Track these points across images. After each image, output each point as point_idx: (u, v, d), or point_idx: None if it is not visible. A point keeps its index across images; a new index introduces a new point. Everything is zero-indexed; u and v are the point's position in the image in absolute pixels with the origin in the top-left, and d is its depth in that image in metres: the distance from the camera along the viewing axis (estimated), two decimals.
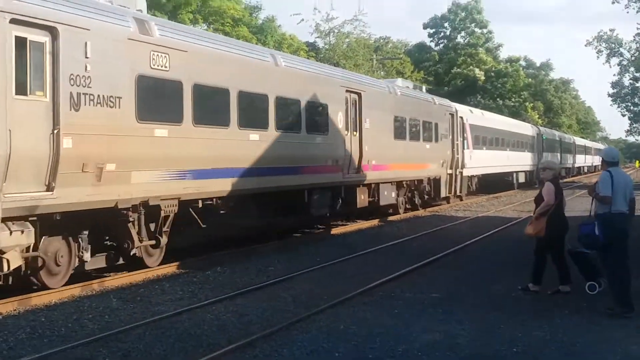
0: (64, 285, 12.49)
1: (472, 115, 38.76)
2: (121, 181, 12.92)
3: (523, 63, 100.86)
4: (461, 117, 34.60)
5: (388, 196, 25.14)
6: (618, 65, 70.13)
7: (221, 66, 15.96)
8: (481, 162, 38.69)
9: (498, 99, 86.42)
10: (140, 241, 13.89)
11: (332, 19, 52.88)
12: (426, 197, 29.71)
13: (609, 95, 76.03)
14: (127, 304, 11.62)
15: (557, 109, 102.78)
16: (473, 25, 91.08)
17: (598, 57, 69.01)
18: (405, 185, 27.36)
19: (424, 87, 35.61)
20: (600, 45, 68.52)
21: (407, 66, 64.91)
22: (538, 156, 54.76)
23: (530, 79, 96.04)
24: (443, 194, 31.19)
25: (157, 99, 13.89)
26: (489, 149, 41.48)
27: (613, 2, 56.38)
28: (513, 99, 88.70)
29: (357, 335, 9.56)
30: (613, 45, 68.18)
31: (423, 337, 9.48)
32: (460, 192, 34.09)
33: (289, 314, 10.76)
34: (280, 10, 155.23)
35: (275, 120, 17.71)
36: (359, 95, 22.57)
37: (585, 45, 70.89)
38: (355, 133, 22.32)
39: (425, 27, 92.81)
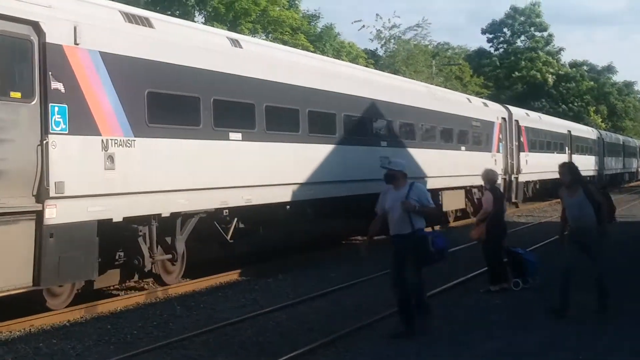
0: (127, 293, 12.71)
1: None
2: None
3: (586, 67, 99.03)
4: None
5: None
6: None
7: None
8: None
9: (562, 104, 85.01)
10: None
11: (394, 26, 52.75)
12: None
13: None
14: (191, 311, 11.75)
15: (621, 112, 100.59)
16: (532, 29, 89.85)
17: None
18: None
19: None
20: None
21: (466, 71, 64.36)
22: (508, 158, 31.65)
23: (592, 82, 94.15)
24: None
25: None
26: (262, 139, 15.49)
27: None
28: (576, 103, 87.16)
29: (419, 342, 9.49)
30: None
31: (486, 344, 9.37)
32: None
33: (351, 321, 10.74)
34: (339, 19, 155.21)
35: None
36: None
37: None
38: None
39: (483, 32, 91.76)
